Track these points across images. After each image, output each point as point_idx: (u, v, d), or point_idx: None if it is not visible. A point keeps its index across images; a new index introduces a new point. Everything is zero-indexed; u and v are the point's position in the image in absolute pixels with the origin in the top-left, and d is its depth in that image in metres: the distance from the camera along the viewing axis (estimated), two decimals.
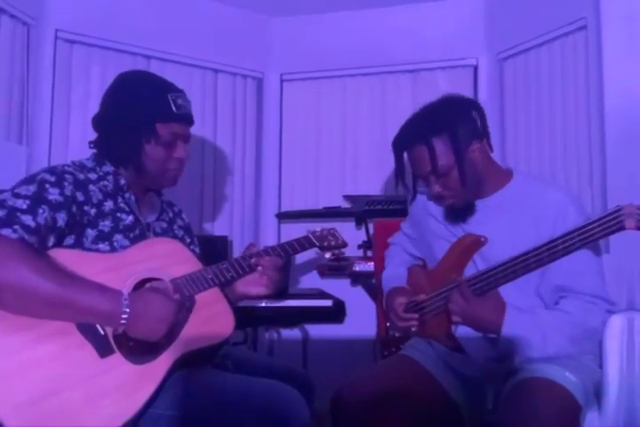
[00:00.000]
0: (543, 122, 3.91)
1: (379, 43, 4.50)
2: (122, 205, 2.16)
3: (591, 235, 2.02)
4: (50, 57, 3.80)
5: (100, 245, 2.02)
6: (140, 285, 2.02)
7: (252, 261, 2.29)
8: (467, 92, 4.12)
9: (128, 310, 1.83)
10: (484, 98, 4.24)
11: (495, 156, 2.50)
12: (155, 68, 4.18)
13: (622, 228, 1.96)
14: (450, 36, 4.36)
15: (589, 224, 2.02)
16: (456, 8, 4.35)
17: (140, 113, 2.17)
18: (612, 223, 1.97)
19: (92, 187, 2.09)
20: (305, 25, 4.67)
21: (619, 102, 3.27)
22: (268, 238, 4.66)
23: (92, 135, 2.28)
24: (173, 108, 2.18)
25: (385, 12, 4.49)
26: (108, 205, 2.11)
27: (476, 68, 4.38)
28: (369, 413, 2.23)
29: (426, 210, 2.65)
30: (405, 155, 2.46)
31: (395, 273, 2.80)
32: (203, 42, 4.41)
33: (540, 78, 3.94)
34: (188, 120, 2.27)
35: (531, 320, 2.20)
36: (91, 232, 2.02)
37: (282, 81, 4.81)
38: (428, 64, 4.46)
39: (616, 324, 2.22)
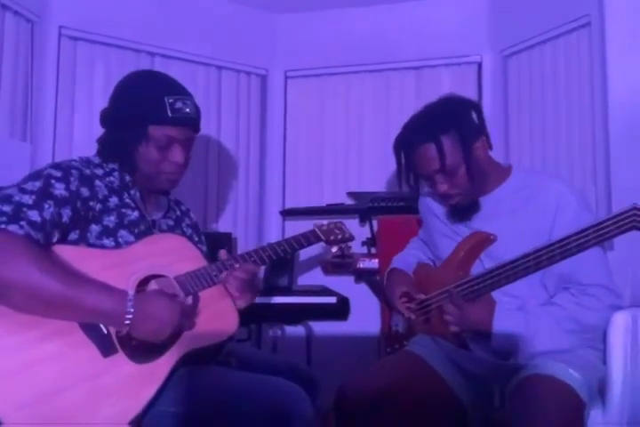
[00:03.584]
0: (547, 119, 3.91)
1: (383, 40, 4.49)
2: (127, 200, 2.16)
3: (605, 233, 1.99)
4: (54, 54, 3.81)
5: (105, 241, 2.03)
6: (144, 282, 2.02)
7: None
8: (471, 89, 4.17)
9: (132, 310, 1.83)
10: (487, 95, 4.26)
11: (499, 153, 2.51)
12: (158, 65, 4.20)
13: (637, 227, 1.95)
14: (454, 33, 4.35)
15: (604, 222, 1.99)
16: (460, 5, 4.35)
17: (134, 114, 2.16)
18: (626, 221, 1.95)
19: (98, 182, 2.09)
20: (309, 22, 4.67)
21: (623, 99, 3.27)
22: (272, 235, 4.65)
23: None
24: (168, 112, 2.14)
25: (389, 9, 4.48)
26: (114, 200, 2.11)
27: (480, 65, 4.37)
28: (373, 409, 2.23)
29: (430, 211, 2.68)
30: (404, 155, 2.48)
31: (404, 257, 2.84)
32: (206, 39, 4.41)
33: (544, 75, 3.94)
34: (184, 124, 2.21)
35: (521, 317, 2.22)
36: (95, 228, 2.02)
37: (286, 78, 4.81)
38: (432, 61, 4.45)
39: (620, 321, 2.21)
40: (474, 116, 2.42)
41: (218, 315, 2.13)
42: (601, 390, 2.23)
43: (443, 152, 2.32)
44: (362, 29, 4.55)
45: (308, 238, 2.45)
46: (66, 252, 1.92)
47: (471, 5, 4.32)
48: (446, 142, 2.32)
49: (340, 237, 2.55)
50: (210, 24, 4.42)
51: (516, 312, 2.24)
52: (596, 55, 3.51)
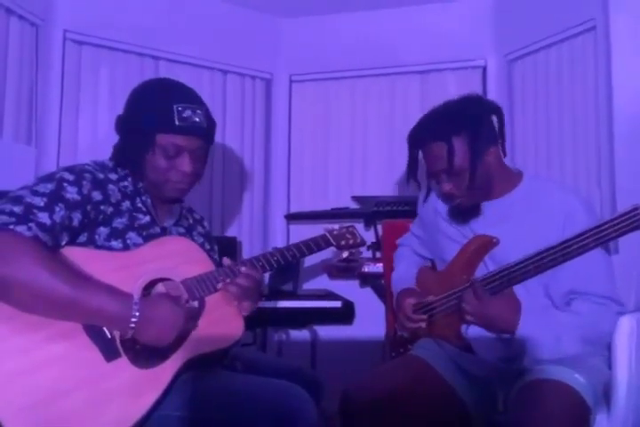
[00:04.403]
0: (552, 123, 3.91)
1: (388, 44, 4.51)
2: (139, 205, 2.16)
3: (606, 234, 1.99)
4: (58, 58, 3.82)
5: (113, 243, 2.02)
6: (150, 285, 2.01)
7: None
8: None
9: (138, 313, 1.82)
10: (492, 99, 4.25)
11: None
12: (163, 69, 4.21)
13: (638, 227, 1.95)
14: (459, 38, 4.36)
15: (604, 224, 2.00)
16: (465, 9, 4.35)
17: (142, 122, 2.14)
18: (627, 222, 1.95)
19: (111, 186, 2.09)
20: (314, 26, 4.68)
21: (627, 103, 3.27)
22: (277, 239, 4.66)
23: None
24: (175, 121, 2.12)
25: (394, 14, 4.49)
26: (126, 204, 2.11)
27: (484, 70, 4.38)
28: (378, 412, 2.23)
29: (435, 210, 2.65)
30: (415, 149, 2.46)
31: (405, 274, 2.79)
32: (211, 43, 4.42)
33: (549, 79, 3.94)
34: (193, 133, 2.17)
35: (545, 321, 2.20)
36: (103, 230, 2.01)
37: (291, 82, 4.82)
38: (437, 65, 4.46)
39: (625, 325, 2.21)
40: (494, 120, 2.41)
41: (223, 320, 2.12)
42: (606, 395, 2.23)
43: (452, 153, 2.29)
44: (367, 33, 4.56)
45: (318, 243, 2.44)
46: (74, 253, 1.91)
47: (476, 9, 4.32)
48: (457, 144, 2.30)
49: (351, 242, 2.54)
50: (214, 28, 4.43)
51: (541, 315, 2.22)
52: (601, 59, 3.51)
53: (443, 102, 2.46)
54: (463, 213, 2.45)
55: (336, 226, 2.54)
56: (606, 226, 2.00)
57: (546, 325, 2.19)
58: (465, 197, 2.40)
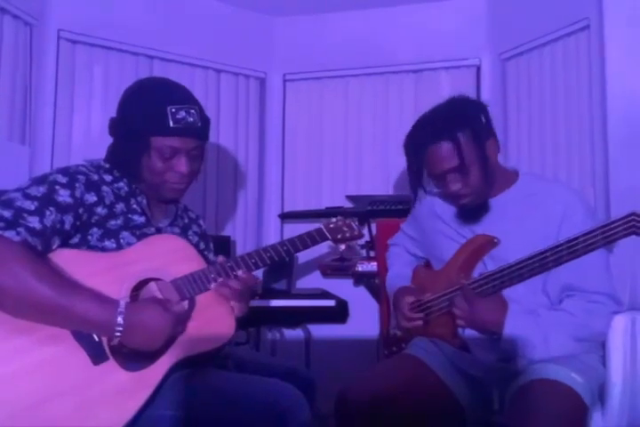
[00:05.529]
0: (546, 122, 3.91)
1: (382, 43, 4.51)
2: (134, 206, 2.15)
3: (614, 233, 1.99)
4: (52, 57, 3.82)
5: (106, 243, 2.01)
6: (140, 285, 2.00)
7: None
8: (470, 93, 4.10)
9: (122, 322, 1.80)
10: (486, 98, 4.23)
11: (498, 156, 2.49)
12: (157, 68, 4.21)
13: (636, 232, 1.94)
14: (453, 37, 4.36)
15: (612, 223, 1.99)
16: (459, 8, 4.35)
17: (136, 125, 2.11)
18: (635, 222, 1.95)
19: (105, 188, 2.07)
20: (308, 25, 4.68)
21: (621, 102, 3.27)
22: (271, 239, 4.65)
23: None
24: (170, 123, 2.08)
25: (388, 12, 4.49)
26: (120, 206, 2.09)
27: (478, 69, 4.39)
28: (374, 411, 2.22)
29: (432, 211, 2.64)
30: (416, 154, 2.41)
31: (400, 273, 2.79)
32: (205, 42, 4.42)
33: (543, 79, 3.94)
34: (188, 134, 2.14)
35: (533, 321, 2.20)
36: (96, 230, 2.00)
37: (284, 81, 4.82)
38: (431, 64, 4.47)
39: (619, 324, 2.21)
40: (482, 117, 2.40)
41: (214, 319, 2.10)
42: (601, 393, 2.23)
43: (460, 149, 2.28)
44: (361, 32, 4.57)
45: (313, 237, 2.35)
46: (63, 255, 1.90)
47: (470, 8, 4.33)
48: (462, 140, 2.29)
49: (348, 235, 2.46)
50: (209, 27, 4.44)
51: (528, 315, 2.23)
52: (595, 58, 3.51)
53: (432, 107, 2.46)
54: (473, 211, 2.44)
55: (333, 219, 2.47)
56: (614, 225, 1.98)
57: (534, 325, 2.19)
58: (474, 194, 2.39)
